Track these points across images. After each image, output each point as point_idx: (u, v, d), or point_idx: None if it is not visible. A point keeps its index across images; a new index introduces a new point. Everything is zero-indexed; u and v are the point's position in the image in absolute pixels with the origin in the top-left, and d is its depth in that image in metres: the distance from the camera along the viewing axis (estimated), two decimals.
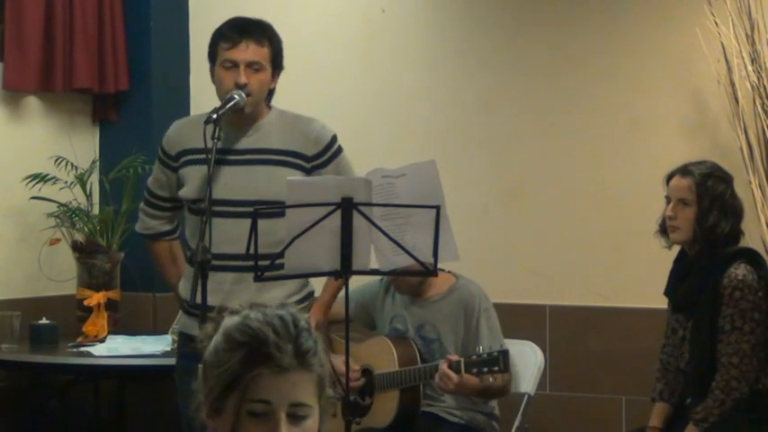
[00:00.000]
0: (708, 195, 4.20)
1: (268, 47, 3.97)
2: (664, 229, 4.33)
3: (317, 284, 4.16)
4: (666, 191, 4.31)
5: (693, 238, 4.24)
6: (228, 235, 3.85)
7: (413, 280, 4.52)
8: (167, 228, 4.24)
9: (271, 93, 4.05)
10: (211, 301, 3.79)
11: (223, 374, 1.97)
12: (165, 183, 4.12)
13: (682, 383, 4.33)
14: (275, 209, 3.73)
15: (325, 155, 4.01)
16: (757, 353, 4.14)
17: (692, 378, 4.25)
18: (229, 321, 2.01)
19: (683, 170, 4.27)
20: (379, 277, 4.67)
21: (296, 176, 3.87)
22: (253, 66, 3.93)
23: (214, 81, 4.00)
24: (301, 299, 4.03)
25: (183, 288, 4.04)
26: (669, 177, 4.31)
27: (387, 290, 4.75)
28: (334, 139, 4.04)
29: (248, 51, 3.93)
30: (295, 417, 1.96)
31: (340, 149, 4.05)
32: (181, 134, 4.05)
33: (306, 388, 1.97)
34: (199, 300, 3.58)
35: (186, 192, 4.01)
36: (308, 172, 3.98)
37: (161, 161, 4.11)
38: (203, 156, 3.80)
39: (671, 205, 4.27)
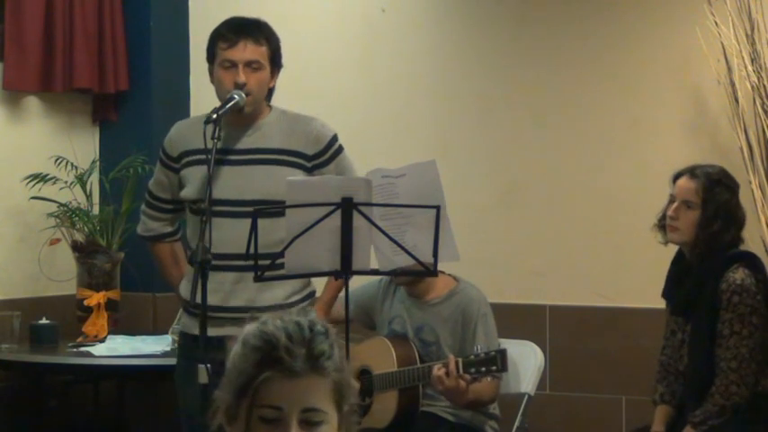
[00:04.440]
0: (713, 202, 4.17)
1: (266, 45, 3.97)
2: (662, 225, 4.31)
3: (318, 284, 4.15)
4: (672, 189, 4.28)
5: (694, 242, 4.21)
6: (229, 235, 3.84)
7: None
8: (169, 229, 4.23)
9: (270, 91, 4.05)
10: (212, 300, 3.82)
11: (237, 379, 1.96)
12: (167, 185, 4.11)
13: (682, 385, 4.32)
14: (275, 208, 3.73)
15: (326, 154, 4.00)
16: (756, 356, 4.12)
17: (691, 382, 4.23)
18: (248, 328, 2.00)
19: (692, 172, 4.24)
20: (378, 277, 4.67)
21: (296, 176, 3.87)
22: (252, 65, 3.93)
23: (213, 82, 4.00)
24: (302, 298, 4.02)
25: (185, 288, 4.04)
26: (676, 176, 4.27)
27: (386, 291, 4.75)
28: (334, 138, 4.03)
29: (246, 51, 3.92)
30: (308, 423, 1.93)
31: (341, 149, 4.04)
32: (182, 135, 4.05)
33: (319, 393, 1.94)
34: (199, 299, 3.58)
35: (187, 192, 4.00)
36: (308, 171, 3.97)
37: (162, 163, 4.11)
38: (204, 156, 3.79)
39: (674, 205, 4.24)
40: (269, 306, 3.88)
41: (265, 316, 2.01)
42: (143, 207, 4.25)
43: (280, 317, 1.99)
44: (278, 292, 3.93)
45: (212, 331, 3.86)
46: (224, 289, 3.91)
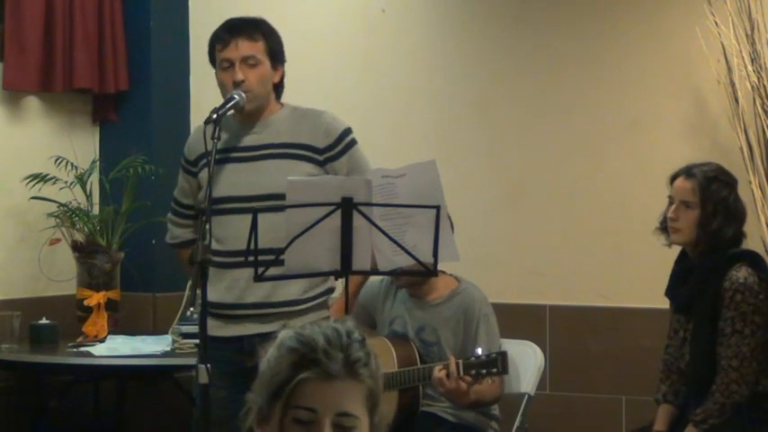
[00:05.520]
0: (711, 199, 4.18)
1: (262, 41, 3.96)
2: (664, 227, 4.32)
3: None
4: (670, 191, 4.30)
5: (696, 240, 4.23)
6: (242, 232, 3.81)
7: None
8: (194, 236, 4.19)
9: (278, 87, 4.04)
10: (228, 298, 3.87)
11: (272, 380, 1.96)
12: (188, 190, 4.12)
13: (685, 385, 4.32)
14: (275, 206, 3.73)
15: (338, 146, 3.98)
16: (757, 355, 4.13)
17: (692, 379, 4.24)
18: (284, 333, 2.01)
19: (688, 172, 4.26)
20: (379, 277, 4.66)
21: (298, 175, 3.86)
22: (248, 61, 3.92)
23: (219, 85, 4.01)
24: (320, 293, 4.00)
25: (209, 291, 3.99)
26: (673, 178, 4.29)
27: (387, 291, 4.75)
28: (346, 131, 4.02)
29: (240, 48, 3.92)
30: (341, 427, 1.93)
31: (354, 142, 4.03)
32: (197, 139, 4.03)
33: (354, 398, 1.95)
34: (218, 299, 3.56)
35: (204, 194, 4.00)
36: (321, 165, 3.96)
37: (183, 169, 4.12)
38: (217, 156, 3.80)
39: (673, 206, 4.26)
40: (286, 301, 3.89)
41: (302, 323, 2.04)
42: (168, 215, 4.24)
43: (317, 323, 2.01)
44: (295, 287, 3.91)
45: (231, 330, 3.90)
46: (239, 286, 3.91)
